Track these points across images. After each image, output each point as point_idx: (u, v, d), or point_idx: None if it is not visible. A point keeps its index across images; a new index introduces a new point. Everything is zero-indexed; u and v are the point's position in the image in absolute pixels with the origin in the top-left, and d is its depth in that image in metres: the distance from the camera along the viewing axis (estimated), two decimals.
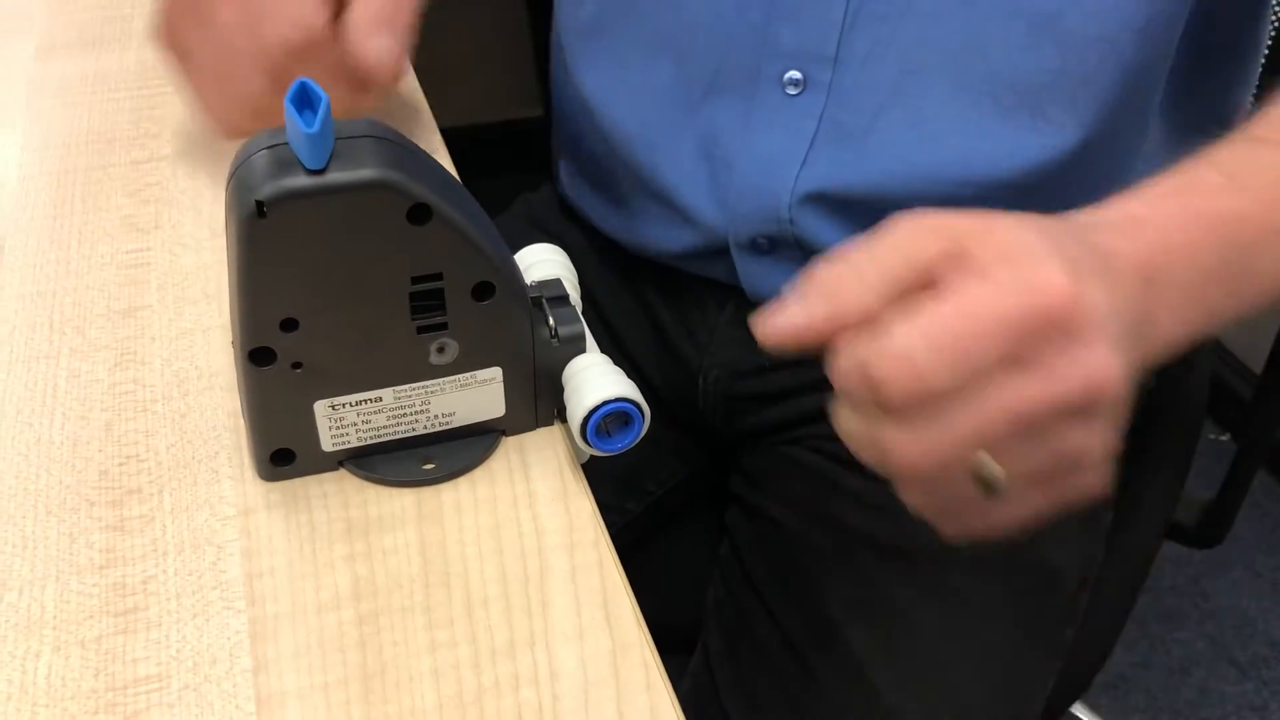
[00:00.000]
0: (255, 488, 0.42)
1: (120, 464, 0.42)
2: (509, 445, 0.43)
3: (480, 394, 0.42)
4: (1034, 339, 0.34)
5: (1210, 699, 1.31)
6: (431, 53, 0.76)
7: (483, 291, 0.40)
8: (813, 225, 0.62)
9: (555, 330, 0.42)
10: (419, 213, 0.37)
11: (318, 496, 0.41)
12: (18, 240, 0.53)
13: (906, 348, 0.33)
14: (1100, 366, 0.34)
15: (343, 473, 0.42)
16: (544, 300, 0.43)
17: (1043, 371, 0.34)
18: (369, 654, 0.36)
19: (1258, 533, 1.47)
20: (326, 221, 0.36)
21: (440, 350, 0.41)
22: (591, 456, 0.43)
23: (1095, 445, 0.36)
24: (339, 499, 0.41)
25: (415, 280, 0.39)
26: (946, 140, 0.58)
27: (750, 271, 0.65)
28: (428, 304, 0.39)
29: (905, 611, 0.62)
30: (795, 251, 0.64)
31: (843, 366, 0.35)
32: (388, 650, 0.36)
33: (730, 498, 0.71)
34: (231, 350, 0.46)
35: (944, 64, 0.57)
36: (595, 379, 0.41)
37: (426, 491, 0.42)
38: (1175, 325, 0.41)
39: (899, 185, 0.60)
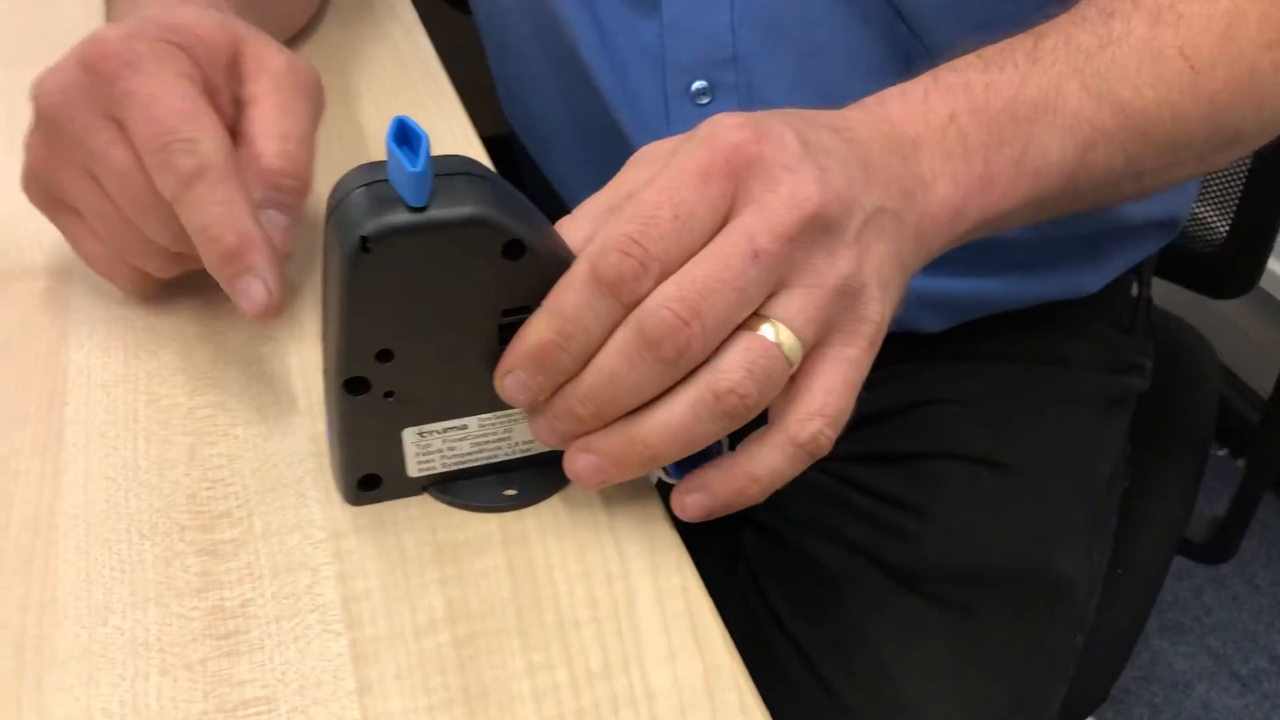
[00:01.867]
0: (343, 511, 0.43)
1: (207, 488, 0.43)
2: None
3: None
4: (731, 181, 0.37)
5: (1213, 712, 1.33)
6: (472, 64, 0.77)
7: None
8: None
9: None
10: (513, 248, 0.38)
11: (404, 520, 0.42)
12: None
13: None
14: (795, 187, 0.37)
15: (426, 497, 0.43)
16: None
17: (752, 205, 0.37)
18: (469, 676, 0.37)
19: (1257, 547, 1.49)
20: (426, 257, 0.38)
21: None
22: (660, 481, 0.45)
23: (845, 267, 0.38)
24: (425, 523, 0.42)
25: (505, 313, 0.40)
26: None
27: None
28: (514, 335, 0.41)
29: (917, 627, 0.64)
30: None
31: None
32: (487, 673, 0.37)
33: (744, 520, 0.72)
34: (315, 376, 0.47)
35: (835, 39, 0.59)
36: None
37: (509, 516, 0.43)
38: (952, 187, 0.42)
39: None
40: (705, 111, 0.62)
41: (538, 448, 0.44)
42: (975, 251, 0.68)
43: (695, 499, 0.39)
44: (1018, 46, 0.46)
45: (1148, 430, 0.83)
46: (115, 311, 0.51)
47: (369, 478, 0.42)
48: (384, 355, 0.39)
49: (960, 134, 0.43)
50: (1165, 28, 0.47)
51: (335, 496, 0.43)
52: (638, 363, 0.36)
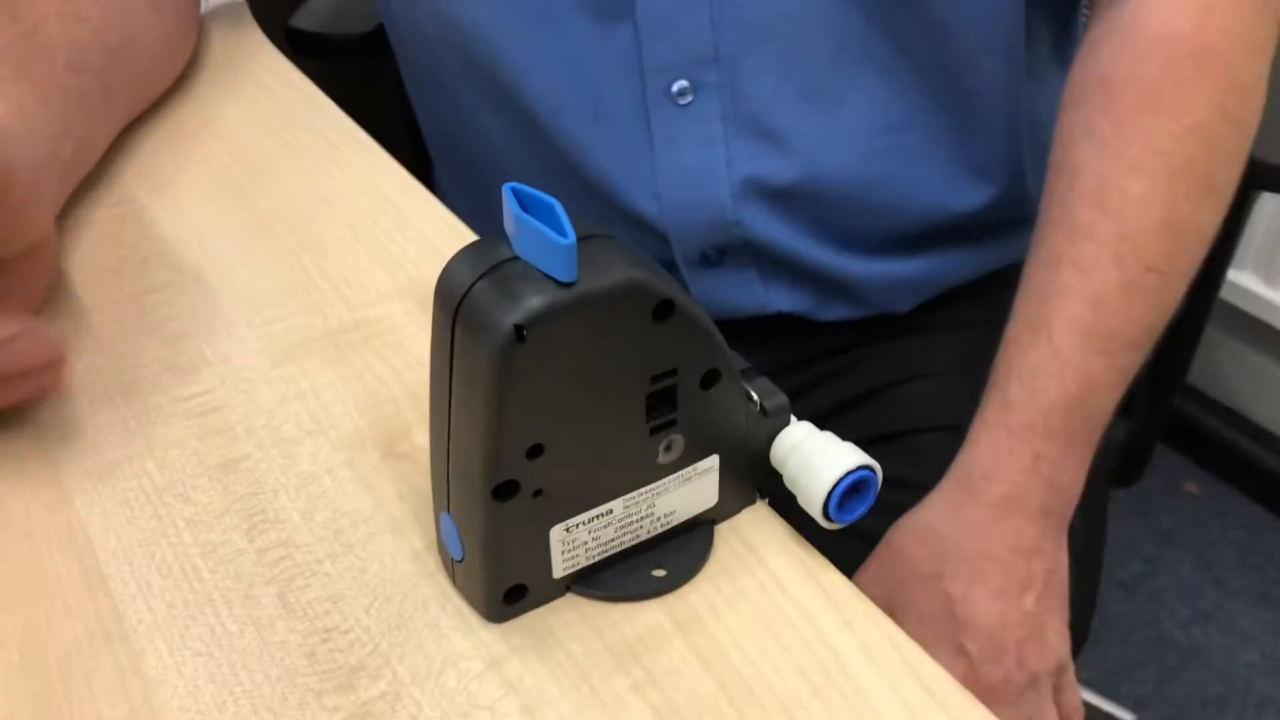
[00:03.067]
0: (489, 634, 0.38)
1: (324, 641, 0.38)
2: (722, 533, 0.41)
3: (698, 486, 0.40)
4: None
5: (1109, 623, 1.40)
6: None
7: (711, 379, 0.38)
8: (759, 221, 0.65)
9: (760, 404, 0.41)
10: (663, 309, 0.35)
11: (562, 629, 0.38)
12: (53, 410, 0.46)
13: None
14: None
15: (571, 597, 0.39)
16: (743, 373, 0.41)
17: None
18: None
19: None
20: (580, 334, 0.34)
21: (668, 449, 0.38)
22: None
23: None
24: (585, 626, 0.38)
25: (654, 379, 0.36)
26: (849, 107, 0.61)
27: (701, 287, 0.67)
28: (661, 401, 0.37)
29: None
30: (745, 257, 0.66)
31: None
32: None
33: None
34: (383, 486, 0.42)
35: (818, 35, 0.59)
36: (826, 449, 0.40)
37: (672, 600, 0.39)
38: (1075, 475, 0.57)
39: (827, 165, 0.62)
40: (686, 112, 0.61)
41: (680, 516, 0.40)
42: (933, 233, 0.69)
43: None
44: (1043, 359, 0.55)
45: None
46: (112, 456, 0.44)
47: (515, 589, 0.38)
48: (534, 451, 0.35)
49: (1044, 461, 0.55)
50: (1127, 255, 0.55)
51: (472, 618, 0.38)
52: None
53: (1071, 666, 0.58)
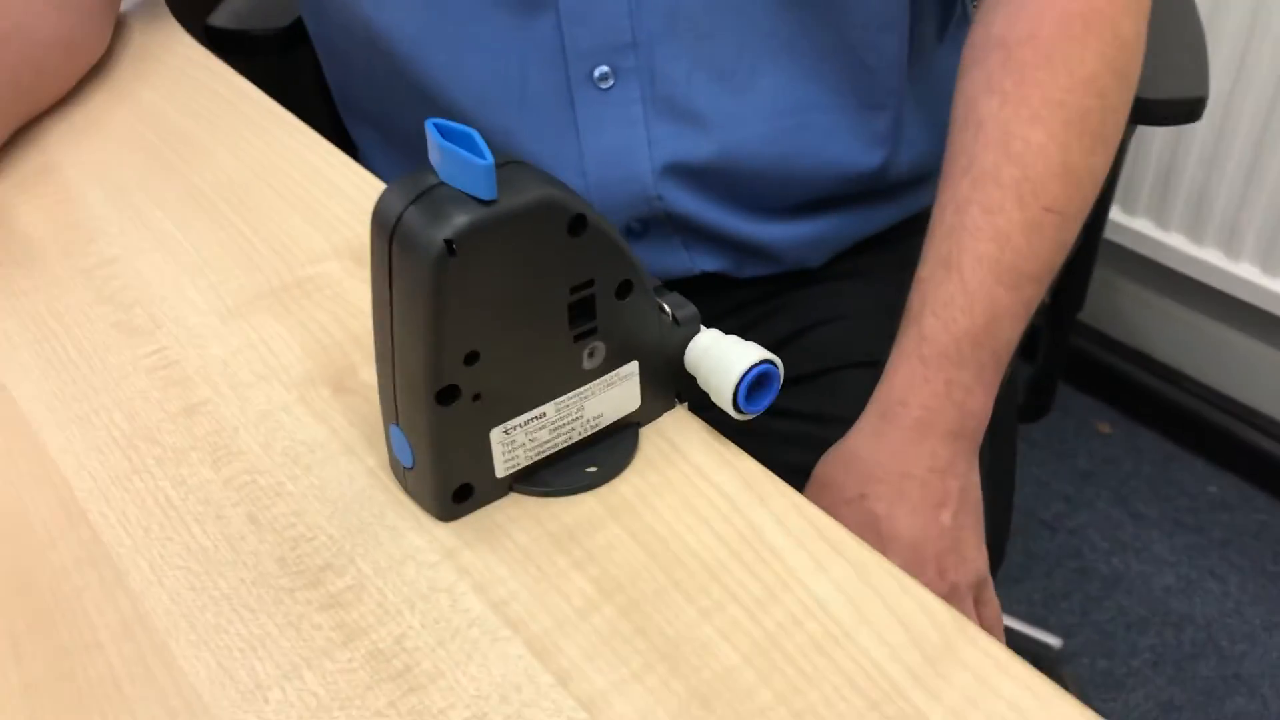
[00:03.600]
0: (443, 531, 0.42)
1: (292, 548, 0.42)
2: (648, 434, 0.46)
3: (621, 390, 0.44)
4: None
5: (1034, 559, 1.47)
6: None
7: (624, 290, 0.42)
8: (679, 196, 0.69)
9: (673, 314, 0.45)
10: (577, 223, 0.39)
11: (506, 523, 0.42)
12: (15, 376, 0.50)
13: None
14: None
15: (514, 496, 0.43)
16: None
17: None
18: (653, 638, 0.38)
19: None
20: (504, 248, 0.38)
21: (591, 355, 0.43)
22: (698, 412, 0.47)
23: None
24: (529, 519, 0.42)
25: (573, 290, 0.41)
26: (758, 89, 0.66)
27: None
28: (581, 311, 0.41)
29: None
30: (668, 227, 0.71)
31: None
32: (667, 630, 0.38)
33: None
34: (335, 417, 0.46)
35: (727, 20, 0.64)
36: (731, 349, 0.44)
37: (602, 491, 0.43)
38: (984, 400, 0.62)
39: (741, 142, 0.67)
40: (608, 95, 0.65)
41: (607, 418, 0.44)
42: (839, 196, 0.75)
43: None
44: (954, 293, 0.60)
45: None
46: (79, 410, 0.48)
47: (462, 488, 0.42)
48: (471, 358, 0.39)
49: (955, 387, 0.60)
50: (1028, 196, 0.60)
51: (425, 520, 0.42)
52: None
53: (990, 581, 0.64)
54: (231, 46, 0.90)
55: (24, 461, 0.45)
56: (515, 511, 0.43)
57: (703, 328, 0.46)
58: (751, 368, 0.44)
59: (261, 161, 0.63)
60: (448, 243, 0.37)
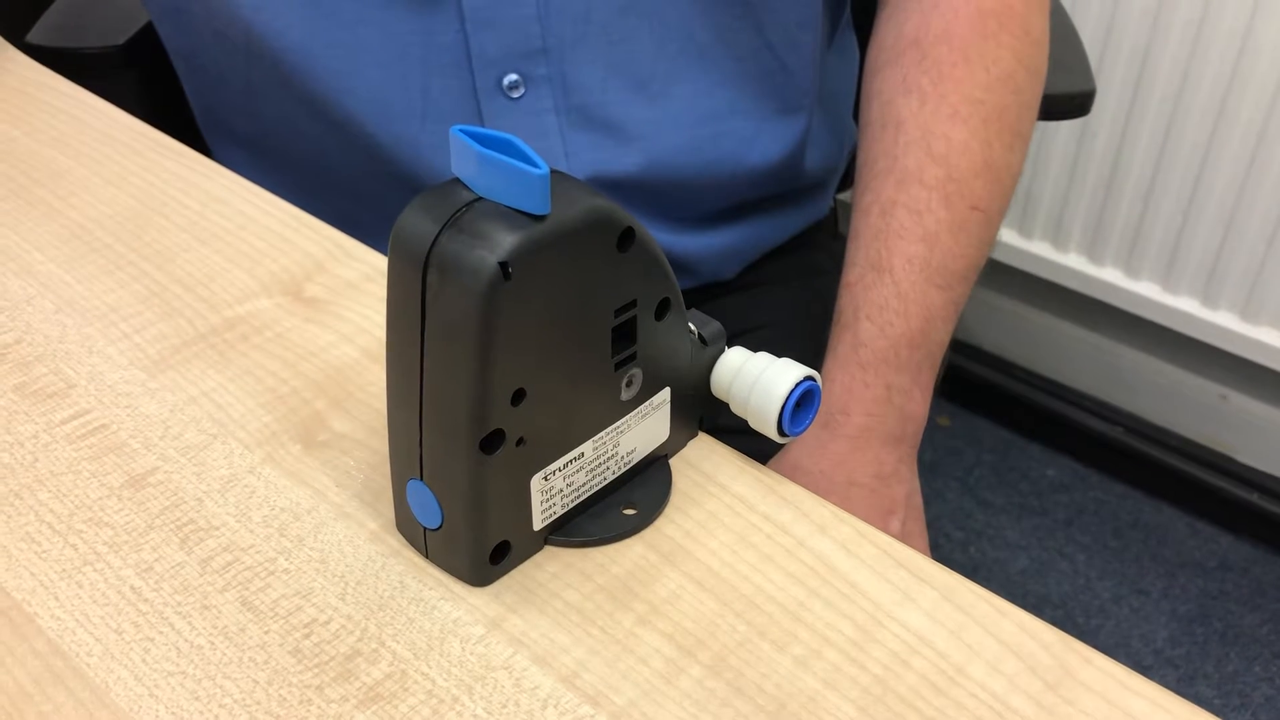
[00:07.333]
0: (480, 597, 0.36)
1: (306, 635, 0.35)
2: (678, 466, 0.42)
3: (653, 421, 0.40)
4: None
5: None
6: None
7: (663, 309, 0.38)
8: None
9: (699, 333, 0.41)
10: (626, 237, 0.35)
11: (550, 581, 0.37)
12: None
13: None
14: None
15: (549, 550, 0.38)
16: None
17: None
18: (752, 695, 0.34)
19: None
20: (558, 267, 0.33)
21: (629, 384, 0.38)
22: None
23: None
24: (574, 574, 0.37)
25: (616, 313, 0.36)
26: (676, 97, 0.64)
27: None
28: (621, 335, 0.37)
29: None
30: None
31: None
32: (767, 685, 0.34)
33: None
34: (320, 473, 0.40)
35: (641, 25, 0.62)
36: (769, 367, 0.41)
37: (646, 535, 0.39)
38: (922, 403, 0.60)
39: (661, 153, 0.65)
40: (519, 104, 0.60)
41: (639, 453, 0.40)
42: (753, 203, 0.73)
43: None
44: (887, 297, 0.59)
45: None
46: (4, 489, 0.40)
47: (500, 546, 0.37)
48: (518, 396, 0.34)
49: (895, 391, 0.59)
50: (954, 196, 0.59)
51: (455, 586, 0.37)
52: None
53: None
54: (57, 68, 0.80)
55: None
56: (555, 567, 0.38)
57: (726, 346, 0.42)
58: (795, 386, 0.40)
59: (149, 192, 0.55)
60: (503, 265, 0.32)
